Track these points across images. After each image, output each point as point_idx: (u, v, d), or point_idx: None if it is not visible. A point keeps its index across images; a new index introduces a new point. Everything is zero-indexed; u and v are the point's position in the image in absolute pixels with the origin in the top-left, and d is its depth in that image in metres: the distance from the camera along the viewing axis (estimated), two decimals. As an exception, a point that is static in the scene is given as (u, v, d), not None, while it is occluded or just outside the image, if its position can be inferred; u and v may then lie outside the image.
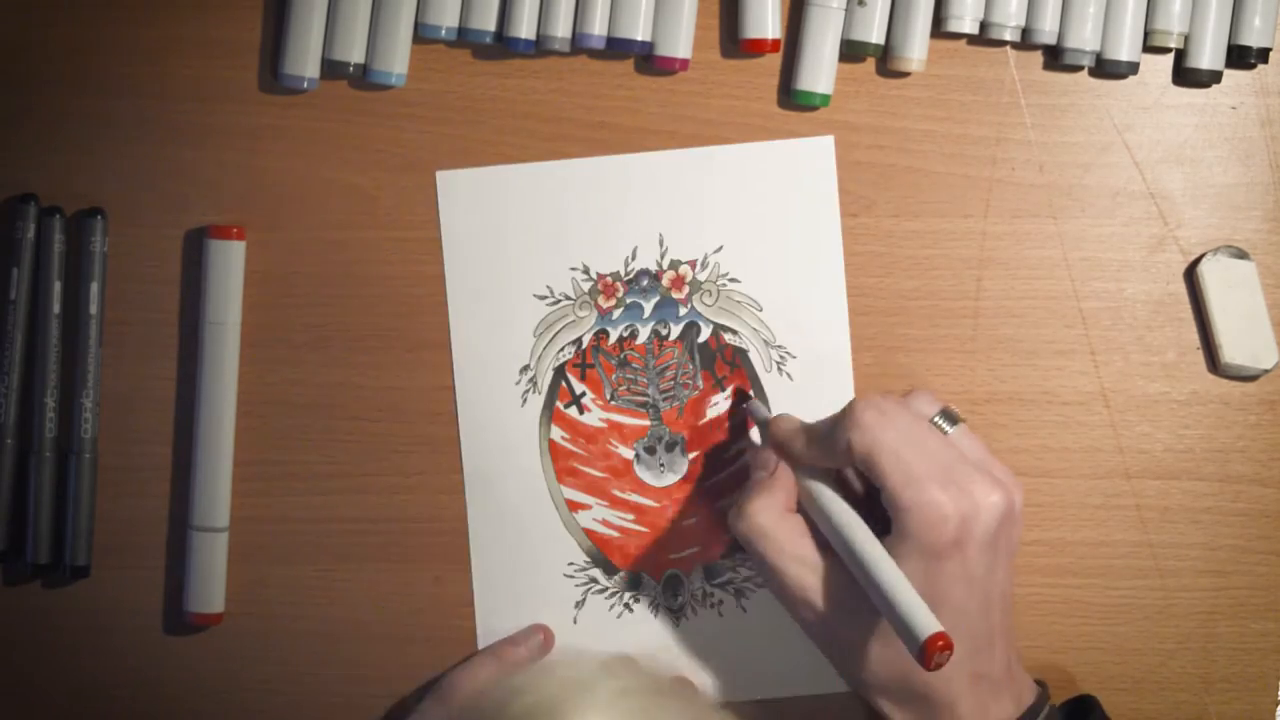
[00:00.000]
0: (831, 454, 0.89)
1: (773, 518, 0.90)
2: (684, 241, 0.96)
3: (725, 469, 0.97)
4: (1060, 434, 0.97)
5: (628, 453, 0.97)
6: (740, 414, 0.96)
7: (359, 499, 0.96)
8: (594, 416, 0.97)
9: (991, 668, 0.88)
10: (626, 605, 0.97)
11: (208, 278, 0.94)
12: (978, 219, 0.96)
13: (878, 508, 0.87)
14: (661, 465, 0.97)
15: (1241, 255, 0.96)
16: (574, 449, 0.97)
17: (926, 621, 0.82)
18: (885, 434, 0.87)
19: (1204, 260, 0.96)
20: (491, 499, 0.96)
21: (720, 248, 0.96)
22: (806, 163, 0.95)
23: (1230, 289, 0.96)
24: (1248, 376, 0.97)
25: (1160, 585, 0.98)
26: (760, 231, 0.95)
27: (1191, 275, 0.97)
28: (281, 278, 0.95)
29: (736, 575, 0.97)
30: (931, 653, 0.81)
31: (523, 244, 0.95)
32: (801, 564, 0.89)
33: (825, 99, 0.94)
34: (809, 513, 0.90)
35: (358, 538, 0.96)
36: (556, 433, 0.97)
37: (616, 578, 0.97)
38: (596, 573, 0.97)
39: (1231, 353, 0.96)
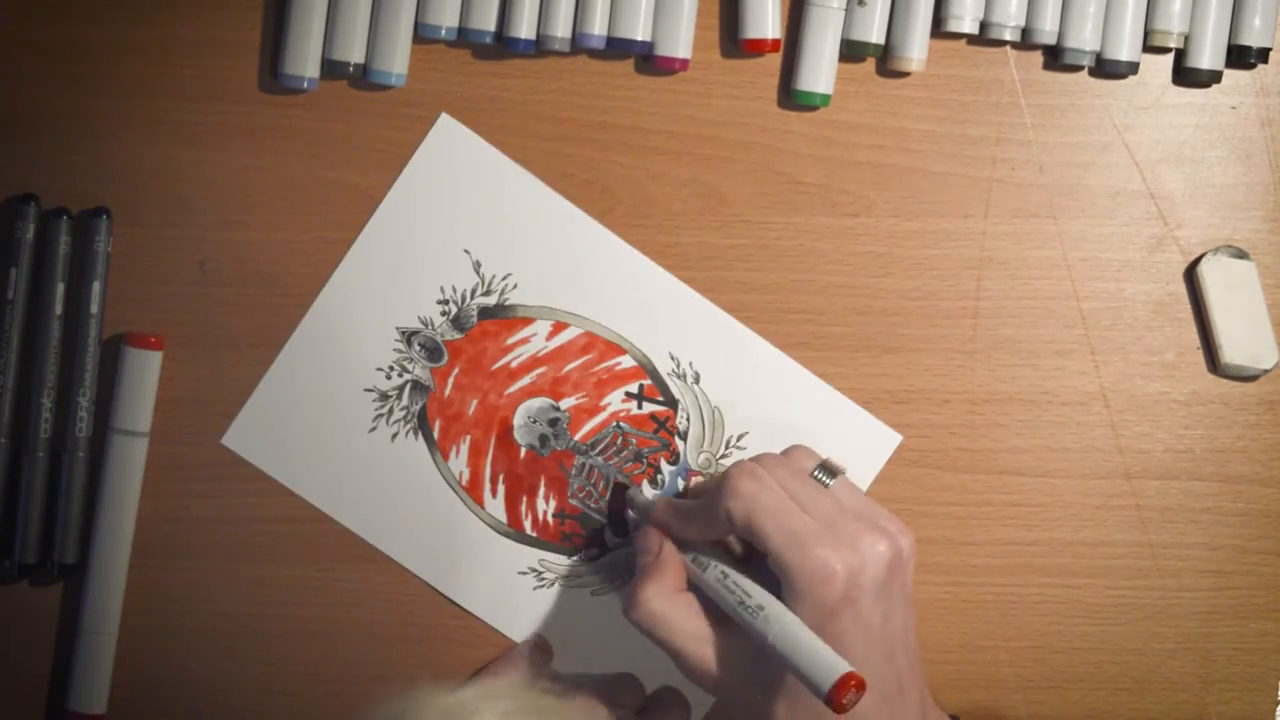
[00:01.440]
0: (713, 526, 0.89)
1: (664, 601, 0.89)
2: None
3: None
4: (1060, 434, 0.97)
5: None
6: (620, 504, 0.97)
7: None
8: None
9: (905, 714, 0.87)
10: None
11: (120, 384, 0.94)
12: (978, 219, 0.96)
13: (765, 572, 0.87)
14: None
15: (1241, 255, 0.96)
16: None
17: (833, 663, 0.82)
18: (762, 498, 0.87)
19: (1204, 260, 0.96)
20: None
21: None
22: None
23: (1230, 289, 0.96)
24: (1248, 376, 0.97)
25: (1160, 585, 0.98)
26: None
27: (1191, 275, 0.97)
28: (281, 277, 0.95)
29: None
30: (842, 693, 0.81)
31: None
32: (700, 641, 0.88)
33: (825, 99, 0.94)
34: (700, 587, 0.90)
35: (358, 537, 0.96)
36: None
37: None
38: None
39: (1231, 353, 0.96)
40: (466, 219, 0.95)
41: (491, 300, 0.96)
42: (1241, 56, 0.95)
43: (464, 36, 0.94)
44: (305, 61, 0.93)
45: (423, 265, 0.95)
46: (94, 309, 0.93)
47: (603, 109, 0.95)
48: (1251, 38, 0.94)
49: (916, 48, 0.94)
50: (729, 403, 0.96)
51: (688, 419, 0.97)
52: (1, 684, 0.96)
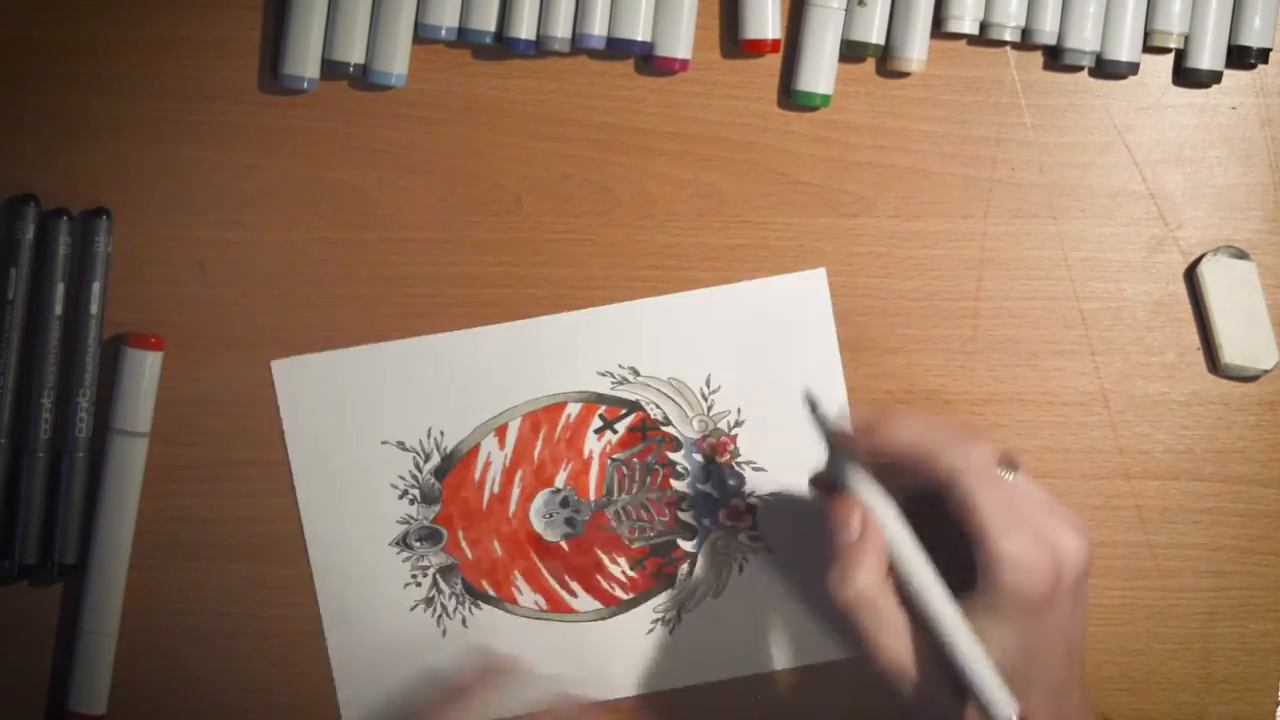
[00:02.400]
0: (919, 475, 0.85)
1: (875, 586, 0.85)
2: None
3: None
4: (1060, 434, 0.97)
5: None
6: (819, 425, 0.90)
7: (359, 499, 0.97)
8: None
9: (1069, 711, 0.86)
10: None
11: (120, 385, 0.94)
12: (978, 219, 0.96)
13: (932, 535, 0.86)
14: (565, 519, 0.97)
15: (1241, 255, 0.96)
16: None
17: (1005, 704, 0.81)
18: (983, 478, 0.84)
19: (1204, 260, 0.96)
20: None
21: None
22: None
23: (1230, 289, 0.96)
24: (1248, 377, 0.97)
25: (1160, 585, 0.98)
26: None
27: (1191, 275, 0.97)
28: (281, 278, 0.95)
29: None
30: None
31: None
32: (900, 633, 0.85)
33: (825, 99, 0.94)
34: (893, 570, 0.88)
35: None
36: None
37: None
38: None
39: (1231, 353, 0.96)
40: (364, 417, 0.95)
41: (436, 459, 0.96)
42: (1241, 57, 0.95)
43: (464, 36, 0.94)
44: (305, 61, 0.93)
45: (362, 483, 0.96)
46: (94, 309, 0.93)
47: (603, 109, 0.95)
48: (1251, 38, 0.94)
49: (916, 48, 0.94)
50: (674, 366, 0.96)
51: (657, 406, 0.97)
52: (1, 684, 0.96)
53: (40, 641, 0.96)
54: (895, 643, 0.85)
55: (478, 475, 0.96)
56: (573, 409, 0.96)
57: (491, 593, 0.96)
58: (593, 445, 0.96)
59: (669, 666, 0.97)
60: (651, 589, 0.97)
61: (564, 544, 0.97)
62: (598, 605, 0.97)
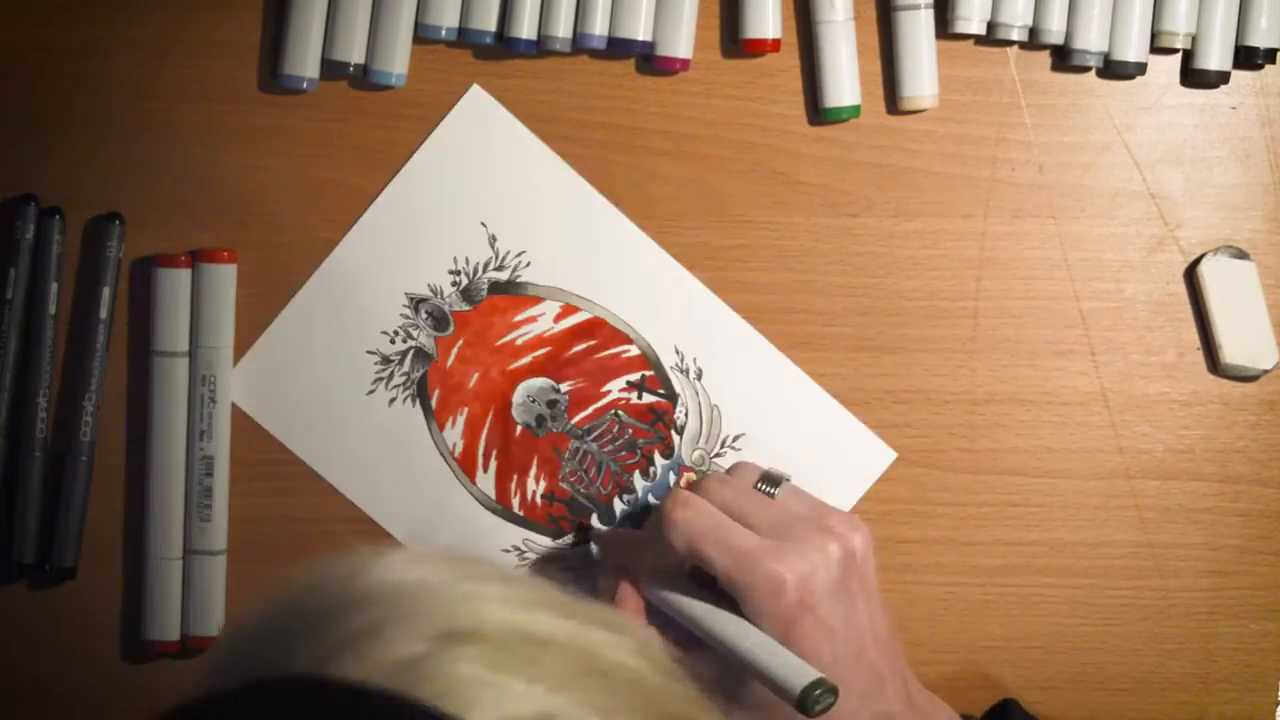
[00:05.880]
0: (663, 554, 0.89)
1: None
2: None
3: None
4: (1060, 434, 0.97)
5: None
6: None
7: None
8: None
9: (889, 705, 0.88)
10: None
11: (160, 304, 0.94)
12: (978, 219, 0.96)
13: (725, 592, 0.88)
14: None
15: (1241, 255, 0.96)
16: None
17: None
18: (697, 523, 0.87)
19: (1204, 260, 0.96)
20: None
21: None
22: None
23: (1230, 289, 0.96)
24: (1248, 376, 0.97)
25: (1160, 585, 0.98)
26: None
27: (1191, 275, 0.97)
28: (281, 278, 0.95)
29: None
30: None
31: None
32: None
33: (855, 110, 0.94)
34: (667, 614, 0.90)
35: (359, 538, 0.96)
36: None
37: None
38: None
39: (1231, 353, 0.96)
40: (487, 191, 0.95)
41: (503, 275, 0.95)
42: (1249, 57, 0.95)
43: (464, 36, 0.94)
44: (305, 61, 0.93)
45: (438, 233, 0.95)
46: (103, 314, 0.93)
47: (603, 109, 0.95)
48: (1258, 38, 0.94)
49: (926, 84, 0.94)
50: (728, 402, 0.96)
51: (686, 414, 0.97)
52: (1, 684, 0.96)
53: (40, 642, 0.96)
54: None
55: (518, 318, 0.96)
56: (631, 351, 0.96)
57: (433, 405, 0.96)
58: (614, 388, 0.96)
59: None
60: (537, 525, 0.97)
61: (519, 430, 0.96)
62: (491, 494, 0.96)
